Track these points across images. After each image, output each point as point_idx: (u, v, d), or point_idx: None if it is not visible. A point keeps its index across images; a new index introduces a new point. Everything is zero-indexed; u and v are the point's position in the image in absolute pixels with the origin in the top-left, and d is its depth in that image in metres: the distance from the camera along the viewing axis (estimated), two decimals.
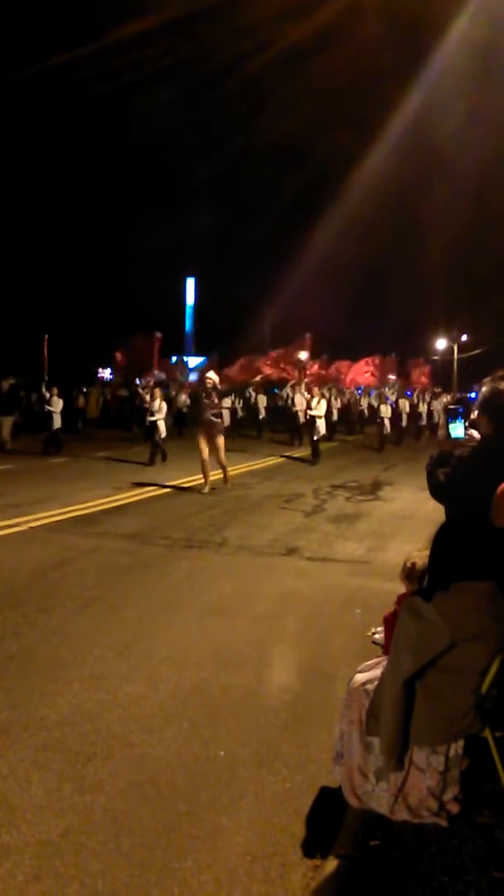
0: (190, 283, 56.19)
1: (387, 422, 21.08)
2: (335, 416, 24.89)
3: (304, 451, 18.06)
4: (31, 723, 3.53)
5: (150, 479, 12.69)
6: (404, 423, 24.31)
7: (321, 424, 16.47)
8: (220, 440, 11.45)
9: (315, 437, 16.48)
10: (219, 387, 11.76)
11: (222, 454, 11.52)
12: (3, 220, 40.11)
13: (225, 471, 11.75)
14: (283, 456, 17.90)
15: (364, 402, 30.28)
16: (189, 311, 56.11)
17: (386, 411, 21.27)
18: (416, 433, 25.70)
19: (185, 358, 41.57)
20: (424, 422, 26.60)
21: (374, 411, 25.72)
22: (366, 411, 29.79)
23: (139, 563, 6.76)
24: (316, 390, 18.06)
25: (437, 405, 28.17)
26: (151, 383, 21.79)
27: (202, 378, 11.89)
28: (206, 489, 11.26)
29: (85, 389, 29.25)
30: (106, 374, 38.11)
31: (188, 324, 55.63)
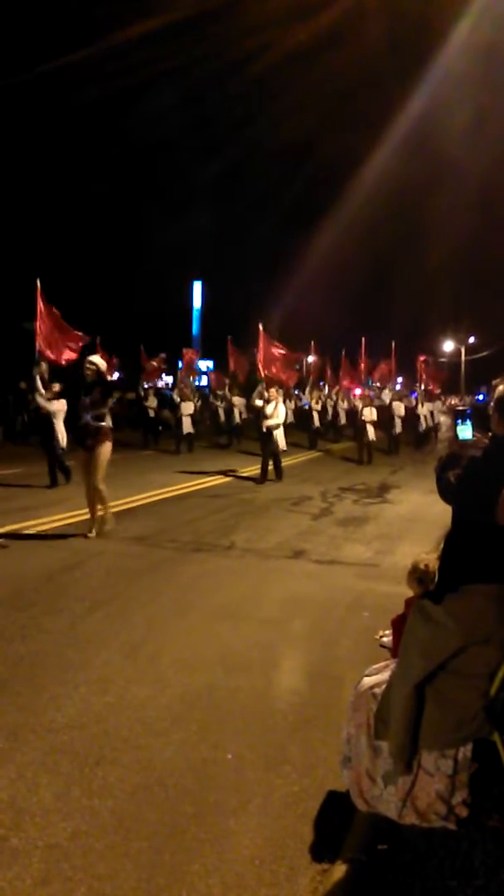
0: (197, 287, 56.34)
1: (370, 428, 17.35)
2: (316, 422, 21.75)
3: (254, 468, 14.29)
4: (40, 726, 3.53)
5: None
6: (398, 428, 20.37)
7: (279, 435, 13.37)
8: (103, 452, 7.84)
9: (274, 451, 13.40)
10: (106, 377, 8.30)
11: (100, 474, 7.81)
12: (7, 223, 40.20)
13: (103, 501, 8.00)
14: (229, 475, 14.23)
15: (343, 404, 25.35)
16: (196, 314, 56.22)
17: (370, 415, 17.58)
18: (416, 440, 22.63)
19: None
20: (424, 427, 23.27)
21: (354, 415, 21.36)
22: (341, 415, 25.16)
23: (147, 566, 6.77)
24: (273, 392, 13.74)
25: (436, 408, 25.49)
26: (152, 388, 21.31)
27: (82, 365, 8.14)
28: (93, 532, 7.91)
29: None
30: (114, 377, 38.15)
31: (195, 327, 55.73)
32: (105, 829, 2.74)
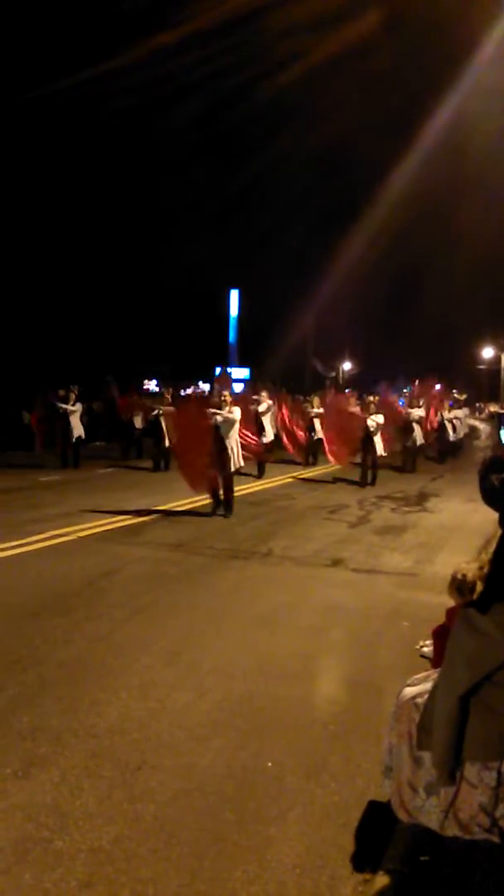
0: (234, 295, 56.66)
1: (379, 440, 14.40)
2: (318, 433, 17.37)
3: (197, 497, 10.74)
4: (82, 730, 3.58)
5: None
6: (418, 440, 17.35)
7: (233, 449, 10.11)
8: None
9: (232, 469, 10.17)
10: None
11: None
12: (48, 235, 40.87)
13: None
14: (154, 511, 10.20)
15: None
16: (232, 323, 56.52)
17: (376, 424, 14.42)
18: (442, 453, 19.84)
19: (228, 369, 41.89)
20: (452, 437, 20.53)
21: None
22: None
23: (185, 573, 6.81)
24: (227, 395, 10.58)
25: (463, 415, 23.25)
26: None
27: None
28: None
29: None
30: (151, 385, 38.47)
31: (231, 335, 56.03)
32: (147, 833, 2.77)
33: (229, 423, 10.08)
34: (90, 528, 8.87)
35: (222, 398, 10.38)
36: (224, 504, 10.14)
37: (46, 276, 40.17)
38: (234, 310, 56.53)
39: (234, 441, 10.17)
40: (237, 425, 10.29)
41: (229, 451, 10.04)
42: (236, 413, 10.20)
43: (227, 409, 10.16)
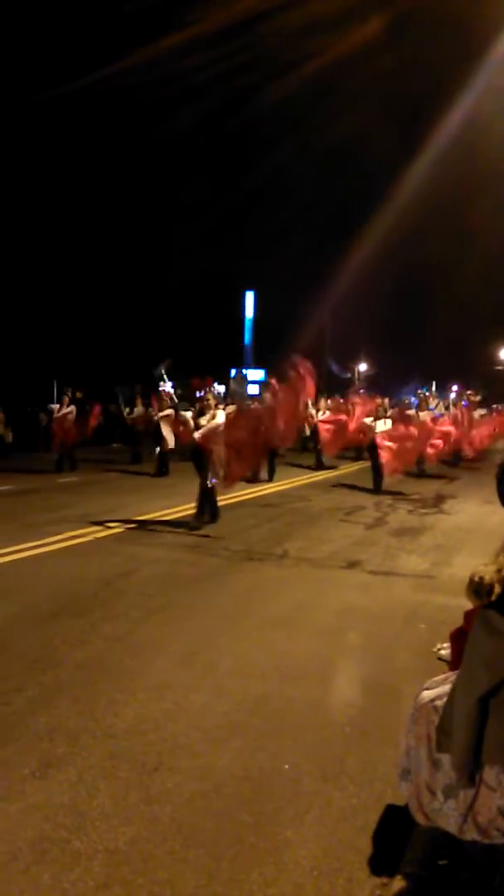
0: (249, 297, 56.70)
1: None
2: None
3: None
4: (99, 730, 3.59)
5: None
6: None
7: (219, 453, 9.18)
8: None
9: (208, 483, 9.36)
10: None
11: None
12: (61, 238, 41.10)
13: None
14: (168, 512, 10.22)
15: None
16: (248, 325, 56.55)
17: (384, 428, 13.47)
18: (453, 457, 17.85)
19: (244, 371, 41.91)
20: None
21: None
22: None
23: (200, 574, 6.82)
24: (210, 398, 9.78)
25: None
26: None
27: None
28: None
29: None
30: (167, 387, 38.55)
31: (247, 337, 56.06)
32: (164, 835, 2.77)
33: (213, 429, 9.21)
34: (106, 529, 8.91)
35: (205, 402, 9.57)
36: (198, 512, 9.49)
37: (61, 280, 40.40)
38: (249, 311, 56.55)
39: (220, 449, 9.20)
40: (221, 433, 9.25)
41: (214, 458, 9.22)
42: (220, 417, 9.30)
43: (210, 413, 9.28)
